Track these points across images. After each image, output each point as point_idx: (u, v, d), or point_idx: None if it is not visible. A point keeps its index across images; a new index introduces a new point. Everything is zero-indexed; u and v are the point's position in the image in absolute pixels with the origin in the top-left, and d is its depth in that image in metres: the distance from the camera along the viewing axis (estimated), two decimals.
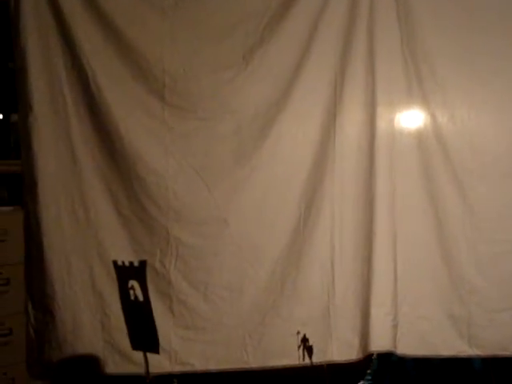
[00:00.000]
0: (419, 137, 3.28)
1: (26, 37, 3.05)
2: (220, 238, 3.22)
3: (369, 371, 3.67)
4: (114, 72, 3.13)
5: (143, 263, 3.01)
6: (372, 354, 3.44)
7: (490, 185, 3.26)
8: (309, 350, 3.18)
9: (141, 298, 2.96)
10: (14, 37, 3.08)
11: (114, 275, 3.14)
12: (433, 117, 3.27)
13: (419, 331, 3.31)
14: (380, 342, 3.29)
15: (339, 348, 3.31)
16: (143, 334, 2.99)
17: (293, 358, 3.22)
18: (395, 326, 3.29)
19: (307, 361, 3.20)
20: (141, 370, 3.13)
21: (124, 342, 3.15)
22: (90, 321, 3.20)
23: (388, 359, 3.57)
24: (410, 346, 3.31)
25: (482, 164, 3.25)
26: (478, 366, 3.54)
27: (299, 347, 3.19)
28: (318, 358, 3.27)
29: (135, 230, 3.20)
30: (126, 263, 3.01)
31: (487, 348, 3.28)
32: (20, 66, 3.08)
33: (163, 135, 3.17)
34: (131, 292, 2.97)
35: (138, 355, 3.11)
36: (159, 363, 3.17)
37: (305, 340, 3.18)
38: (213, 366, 3.25)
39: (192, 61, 3.16)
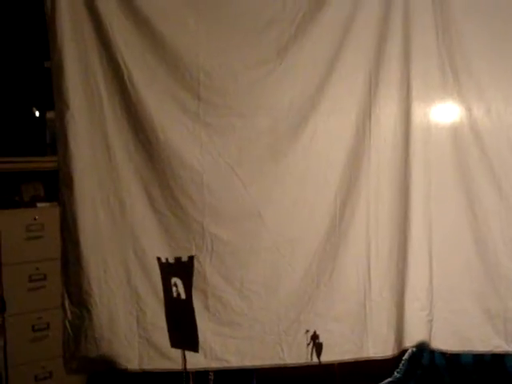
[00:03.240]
0: (455, 131, 3.26)
1: (62, 36, 3.05)
2: (256, 234, 3.22)
3: (398, 370, 3.67)
4: (148, 69, 3.13)
5: (191, 258, 3.02)
6: (403, 354, 3.43)
7: None
8: (318, 347, 3.20)
9: (183, 295, 2.98)
10: (50, 36, 3.09)
11: (149, 271, 3.18)
12: (469, 111, 3.25)
13: (454, 326, 3.30)
14: (415, 338, 3.28)
15: (375, 344, 3.30)
16: (184, 331, 3.01)
17: (330, 354, 3.25)
18: (430, 321, 3.28)
19: (315, 359, 3.22)
20: (176, 366, 3.16)
21: (160, 338, 3.18)
22: (125, 316, 3.21)
23: (419, 361, 3.56)
24: (444, 341, 3.31)
25: None
26: None
27: (308, 345, 3.22)
28: (353, 355, 3.29)
29: (170, 226, 3.20)
30: (171, 260, 3.04)
31: None
32: (56, 65, 3.09)
33: (198, 132, 3.17)
34: (174, 289, 2.99)
35: (174, 351, 3.13)
36: (195, 359, 3.19)
37: (314, 337, 3.20)
38: (248, 362, 3.26)
39: (227, 57, 3.16)
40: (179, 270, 2.99)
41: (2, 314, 4.11)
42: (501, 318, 3.27)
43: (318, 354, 3.23)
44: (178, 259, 3.03)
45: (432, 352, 3.52)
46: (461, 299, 3.30)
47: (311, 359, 3.25)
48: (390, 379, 3.69)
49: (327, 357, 3.27)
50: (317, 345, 3.23)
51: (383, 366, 3.50)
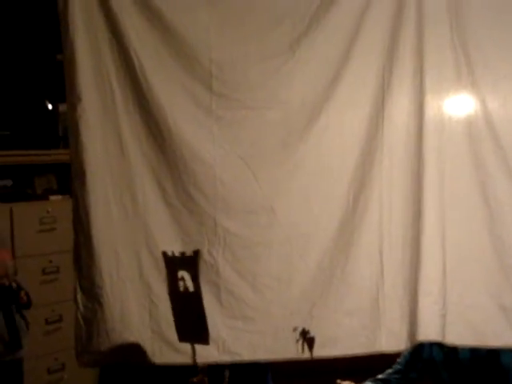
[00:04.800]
0: (469, 124, 3.22)
1: (74, 28, 3.05)
2: (268, 227, 3.20)
3: (399, 360, 3.65)
4: (161, 62, 3.13)
5: (196, 253, 3.02)
6: None
7: None
8: (309, 341, 3.19)
9: (191, 288, 2.98)
10: (62, 28, 3.09)
11: (161, 265, 3.17)
12: (483, 103, 3.20)
13: (468, 321, 3.26)
14: (428, 332, 3.24)
15: (388, 338, 3.28)
16: (192, 325, 3.01)
17: (342, 348, 3.24)
18: (443, 315, 3.24)
19: (307, 353, 3.20)
20: (188, 360, 3.16)
21: (171, 331, 3.18)
22: (137, 310, 3.22)
23: (419, 354, 3.55)
24: (458, 336, 3.26)
25: None
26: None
27: (297, 341, 3.21)
28: (366, 349, 3.28)
29: (183, 219, 3.20)
30: (177, 253, 3.03)
31: None
32: (68, 57, 3.09)
33: (210, 125, 3.16)
34: (181, 283, 2.99)
35: (186, 345, 3.13)
36: (207, 353, 3.19)
37: (304, 333, 3.20)
38: (261, 356, 3.25)
39: (239, 50, 3.15)
40: (185, 263, 2.99)
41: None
42: None
43: (310, 348, 3.21)
44: (182, 253, 3.03)
45: (431, 346, 3.50)
46: (475, 293, 3.26)
47: (302, 352, 3.22)
48: (390, 370, 3.67)
49: (339, 351, 3.26)
50: (307, 340, 3.21)
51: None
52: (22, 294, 3.81)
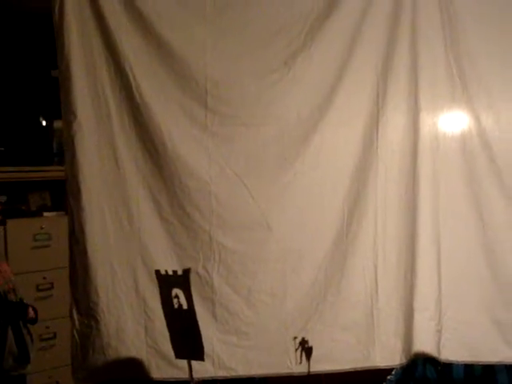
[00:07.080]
0: (463, 141, 3.25)
1: (70, 44, 3.06)
2: (263, 243, 3.21)
3: (389, 377, 3.63)
4: (156, 79, 3.13)
5: (187, 271, 3.02)
6: None
7: None
8: (307, 351, 3.19)
9: (185, 306, 2.97)
10: (58, 44, 3.09)
11: (157, 281, 3.16)
12: (477, 120, 3.24)
13: (463, 337, 3.28)
14: (423, 347, 3.26)
15: (382, 353, 3.30)
16: (187, 342, 3.00)
17: (337, 363, 3.24)
18: (439, 331, 3.27)
19: (304, 363, 3.19)
20: (184, 375, 3.15)
21: (167, 346, 3.16)
22: (133, 325, 3.21)
23: (412, 372, 3.53)
24: (453, 352, 3.29)
25: None
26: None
27: (296, 350, 3.21)
28: (361, 364, 3.28)
29: (178, 235, 3.20)
30: (170, 272, 3.02)
31: None
32: (63, 74, 3.09)
33: (206, 141, 3.17)
34: (175, 300, 2.98)
35: (182, 360, 3.12)
36: (202, 368, 3.18)
37: (304, 342, 3.20)
38: (256, 371, 3.25)
39: (234, 67, 3.16)
40: (179, 281, 2.99)
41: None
42: (510, 329, 3.25)
43: (308, 358, 3.20)
44: (174, 272, 3.03)
45: (424, 364, 3.49)
46: (470, 310, 3.28)
47: (300, 363, 3.22)
48: None
49: (334, 366, 3.27)
50: (306, 349, 3.21)
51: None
52: (30, 309, 3.81)
